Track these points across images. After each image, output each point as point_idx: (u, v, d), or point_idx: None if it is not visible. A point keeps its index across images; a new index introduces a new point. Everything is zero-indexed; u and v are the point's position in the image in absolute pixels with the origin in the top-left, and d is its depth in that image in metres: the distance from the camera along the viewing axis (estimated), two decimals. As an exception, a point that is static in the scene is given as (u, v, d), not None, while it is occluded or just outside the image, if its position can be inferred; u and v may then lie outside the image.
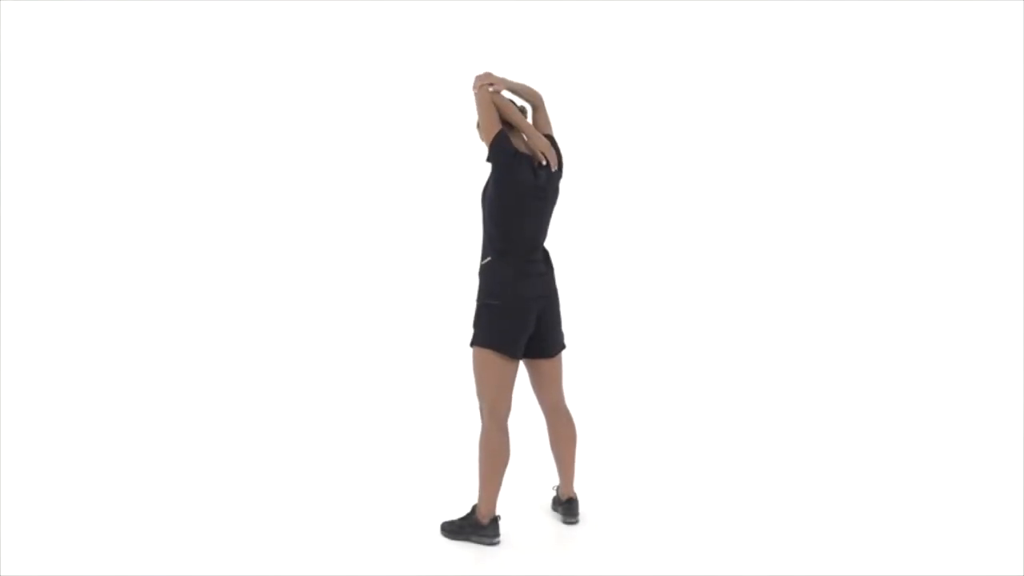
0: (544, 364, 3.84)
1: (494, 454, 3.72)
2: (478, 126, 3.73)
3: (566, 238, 5.16)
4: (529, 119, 3.86)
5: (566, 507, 3.99)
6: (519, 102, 3.84)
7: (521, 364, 3.83)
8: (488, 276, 3.70)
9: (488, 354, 3.67)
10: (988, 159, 6.79)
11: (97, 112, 7.11)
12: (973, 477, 4.44)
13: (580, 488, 4.19)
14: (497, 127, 3.66)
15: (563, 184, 3.84)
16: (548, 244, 3.84)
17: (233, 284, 7.06)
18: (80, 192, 7.11)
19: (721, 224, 7.06)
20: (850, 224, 6.94)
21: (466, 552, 3.72)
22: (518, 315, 3.67)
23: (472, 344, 3.71)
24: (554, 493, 4.15)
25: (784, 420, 5.30)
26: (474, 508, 3.82)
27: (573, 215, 5.81)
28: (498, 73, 3.83)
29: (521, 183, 3.65)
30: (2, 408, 5.47)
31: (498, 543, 3.78)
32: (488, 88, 3.68)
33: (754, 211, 7.04)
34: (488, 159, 3.67)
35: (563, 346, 3.89)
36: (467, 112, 3.90)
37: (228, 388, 5.88)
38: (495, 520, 3.79)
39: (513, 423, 3.84)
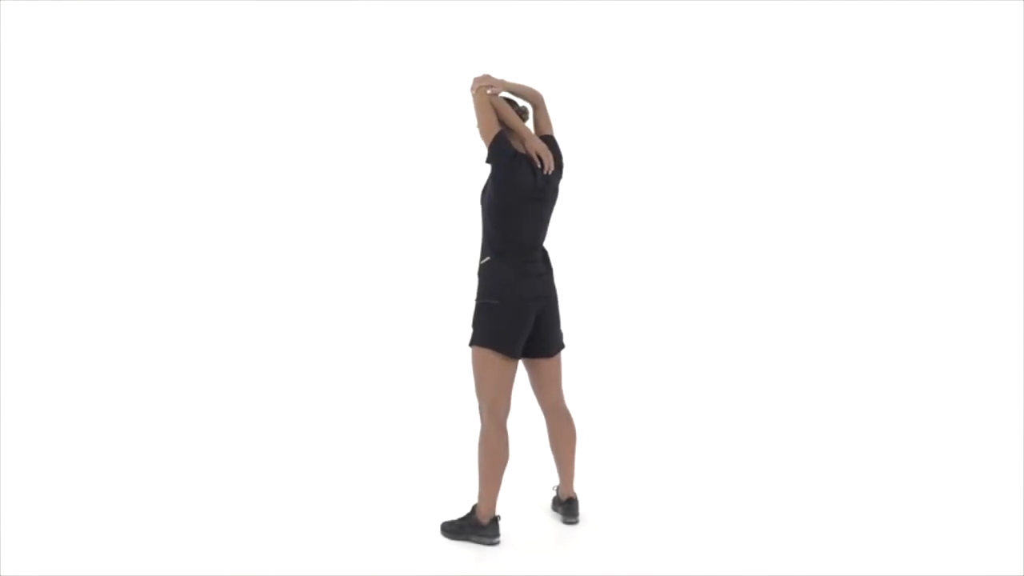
0: (543, 364, 3.85)
1: (493, 454, 3.72)
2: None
3: (566, 238, 5.16)
4: (530, 119, 3.86)
5: (566, 507, 3.99)
6: (520, 103, 3.85)
7: (520, 364, 3.84)
8: (487, 276, 3.71)
9: (487, 354, 3.68)
10: (988, 159, 6.79)
11: (97, 113, 7.11)
12: (973, 477, 4.44)
13: (580, 488, 4.20)
14: (496, 129, 3.67)
15: (563, 184, 3.85)
16: (548, 244, 3.85)
17: (233, 284, 7.06)
18: (80, 193, 7.11)
19: (721, 224, 7.06)
20: (850, 224, 6.93)
21: (466, 552, 3.73)
22: (517, 315, 3.67)
23: (471, 344, 3.72)
24: (554, 493, 4.15)
25: (784, 419, 5.30)
26: (474, 508, 3.82)
27: (573, 215, 5.81)
28: (497, 74, 3.84)
29: (520, 184, 3.66)
30: (2, 408, 5.47)
31: (498, 543, 3.78)
32: (486, 91, 3.68)
33: (754, 211, 7.04)
34: (487, 160, 3.67)
35: (562, 346, 3.89)
36: (466, 112, 3.90)
37: (228, 388, 5.88)
38: (495, 520, 3.79)
39: (513, 423, 3.84)
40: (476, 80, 3.70)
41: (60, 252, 7.03)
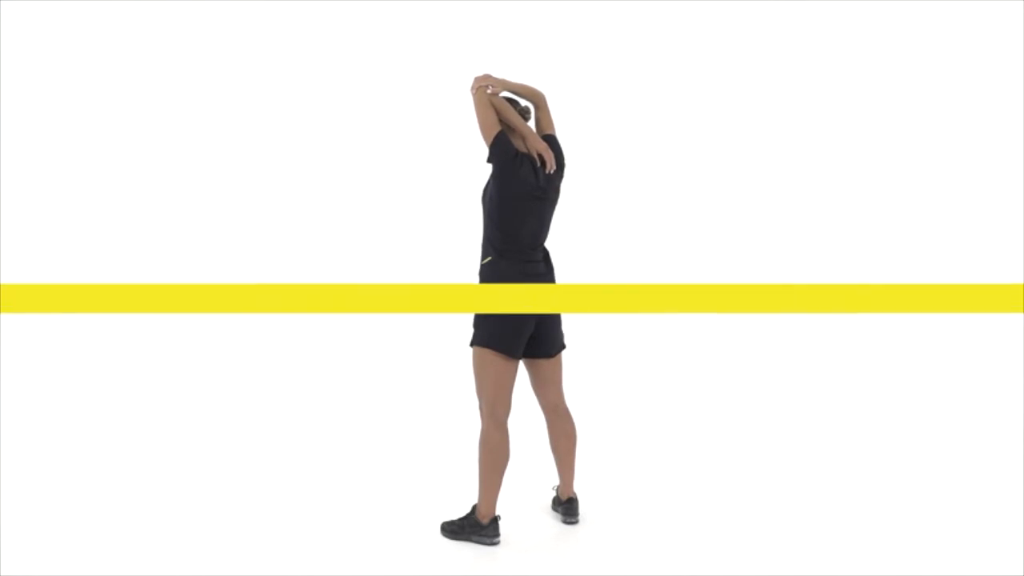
0: (544, 364, 3.85)
1: (494, 454, 3.72)
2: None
3: (567, 238, 5.16)
4: (532, 118, 3.86)
5: (566, 507, 3.99)
6: (522, 102, 3.85)
7: (521, 364, 3.84)
8: (488, 276, 3.71)
9: (487, 354, 3.68)
10: (988, 159, 6.78)
11: (97, 113, 7.11)
12: (973, 477, 4.44)
13: (580, 488, 4.20)
14: (496, 128, 3.67)
15: (565, 184, 3.84)
16: (549, 244, 3.84)
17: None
18: (79, 193, 7.10)
19: (722, 224, 7.05)
20: (850, 225, 6.93)
21: (466, 552, 3.73)
22: (517, 315, 3.67)
23: (472, 344, 3.72)
24: (554, 493, 4.15)
25: (784, 420, 5.30)
26: (474, 508, 3.82)
27: (574, 215, 5.81)
28: (497, 74, 3.84)
29: (521, 183, 3.66)
30: (2, 408, 5.47)
31: (498, 543, 3.78)
32: (486, 90, 3.68)
33: (755, 211, 7.03)
34: (488, 160, 3.67)
35: (563, 346, 3.89)
36: (467, 112, 3.90)
37: (228, 388, 5.88)
38: (495, 520, 3.79)
39: (513, 423, 3.84)
40: (476, 80, 3.71)
41: (58, 251, 7.02)
